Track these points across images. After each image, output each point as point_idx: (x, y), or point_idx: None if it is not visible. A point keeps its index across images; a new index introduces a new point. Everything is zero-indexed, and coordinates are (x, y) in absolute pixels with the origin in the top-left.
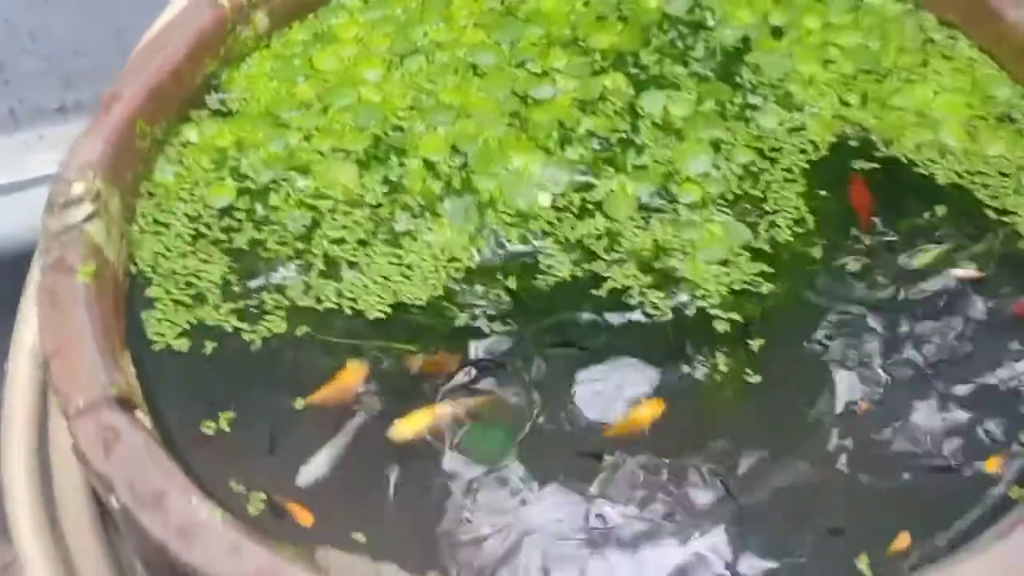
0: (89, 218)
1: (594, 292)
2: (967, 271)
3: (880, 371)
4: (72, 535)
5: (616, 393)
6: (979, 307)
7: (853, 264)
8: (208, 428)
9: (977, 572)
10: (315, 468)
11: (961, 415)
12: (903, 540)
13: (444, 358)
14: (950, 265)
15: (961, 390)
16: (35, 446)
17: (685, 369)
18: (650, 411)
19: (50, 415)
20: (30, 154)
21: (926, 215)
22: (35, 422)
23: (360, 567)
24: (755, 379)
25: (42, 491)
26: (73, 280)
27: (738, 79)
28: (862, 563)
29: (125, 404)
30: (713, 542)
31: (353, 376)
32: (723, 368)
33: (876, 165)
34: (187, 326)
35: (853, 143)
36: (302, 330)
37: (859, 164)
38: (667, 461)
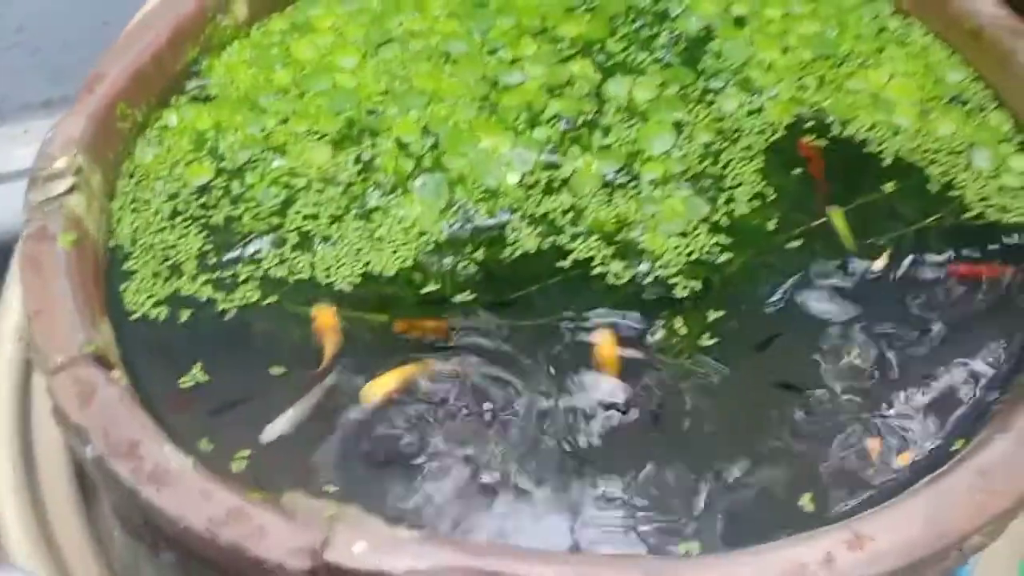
0: (70, 190)
1: (559, 263)
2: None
3: (830, 333)
4: (54, 514)
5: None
6: (925, 274)
7: (807, 236)
8: (182, 384)
9: (915, 511)
10: (279, 426)
11: (905, 375)
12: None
13: (430, 323)
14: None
15: (903, 351)
16: (19, 426)
17: (645, 331)
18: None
19: (32, 391)
20: (14, 148)
21: (878, 189)
22: (18, 401)
23: (325, 510)
24: (710, 341)
25: (25, 471)
26: (54, 247)
27: (700, 65)
28: (805, 500)
29: (102, 361)
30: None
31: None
32: (680, 330)
33: (831, 143)
34: (163, 296)
35: (810, 124)
36: (275, 299)
37: (813, 140)
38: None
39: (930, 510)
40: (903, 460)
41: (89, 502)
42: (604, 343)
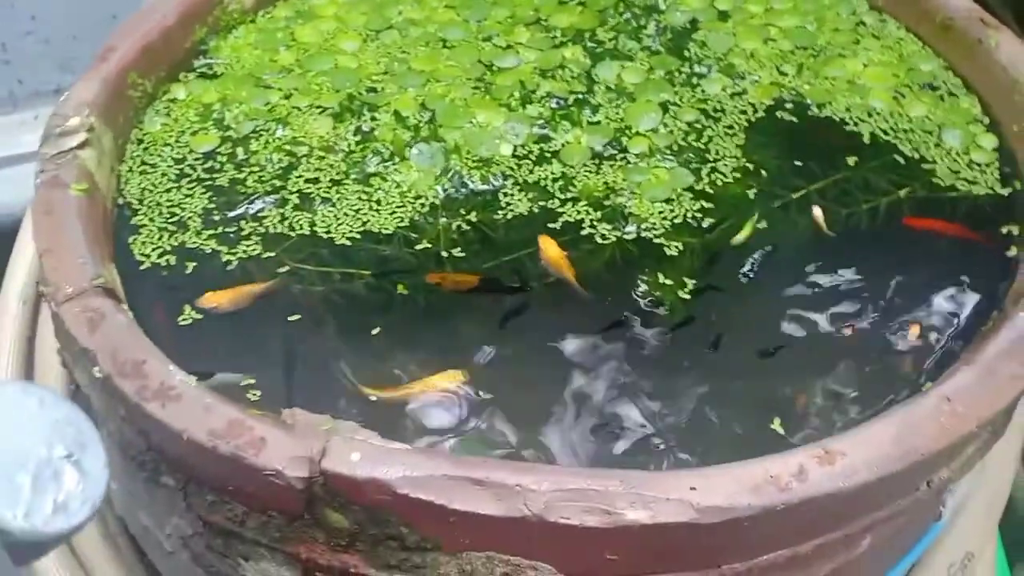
0: (83, 145)
1: (549, 224)
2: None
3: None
4: None
5: None
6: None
7: (786, 204)
8: (184, 320)
9: (884, 430)
10: None
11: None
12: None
13: (461, 277)
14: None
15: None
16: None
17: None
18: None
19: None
20: (25, 133)
21: (854, 165)
22: (22, 357)
23: (322, 423)
24: (686, 295)
25: None
26: (66, 193)
27: (686, 53)
28: (775, 424)
29: (110, 293)
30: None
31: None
32: (664, 282)
33: (809, 123)
34: (169, 248)
35: (789, 105)
36: (276, 253)
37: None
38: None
39: (898, 429)
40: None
41: None
42: (547, 246)
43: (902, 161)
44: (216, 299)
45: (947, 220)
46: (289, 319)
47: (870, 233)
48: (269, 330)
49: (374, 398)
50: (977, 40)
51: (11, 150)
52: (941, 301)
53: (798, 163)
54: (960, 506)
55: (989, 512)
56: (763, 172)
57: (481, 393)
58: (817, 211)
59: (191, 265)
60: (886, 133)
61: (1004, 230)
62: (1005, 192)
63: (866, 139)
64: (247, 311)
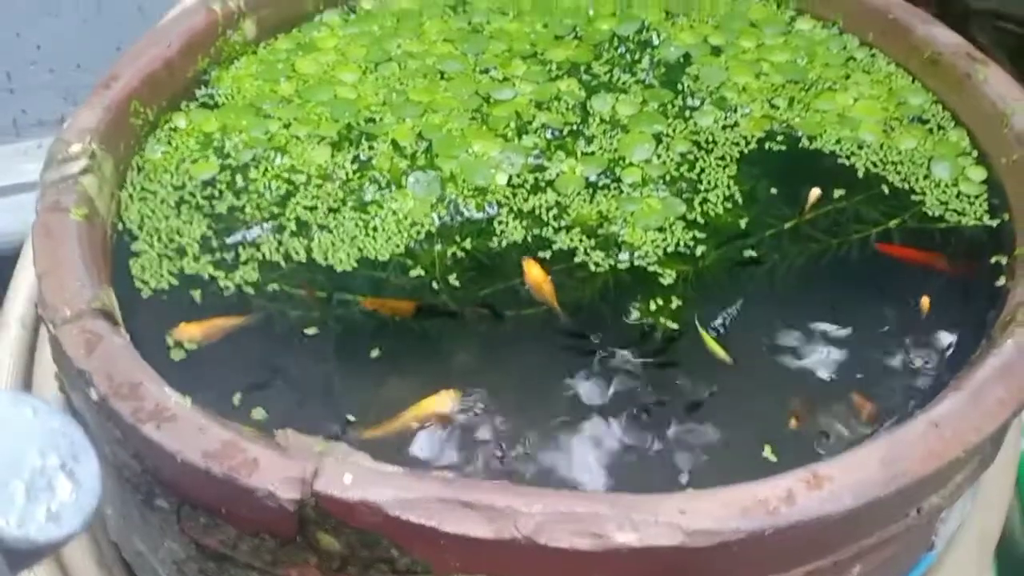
0: (84, 172)
1: (542, 252)
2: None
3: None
4: None
5: None
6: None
7: (777, 235)
8: (177, 353)
9: (872, 454)
10: None
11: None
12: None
13: (399, 303)
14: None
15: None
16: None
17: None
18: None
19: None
20: (28, 162)
21: (845, 196)
22: (21, 377)
23: (315, 445)
24: (675, 326)
25: None
26: (66, 218)
27: (679, 86)
28: (767, 452)
29: (107, 316)
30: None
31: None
32: (656, 309)
33: (800, 154)
34: (167, 273)
35: (780, 137)
36: (273, 279)
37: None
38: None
39: (886, 454)
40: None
41: None
42: (531, 268)
43: (892, 193)
44: (199, 329)
45: (918, 248)
46: (283, 345)
47: (860, 263)
48: (263, 356)
49: (368, 437)
50: (965, 74)
51: (14, 178)
52: (931, 331)
53: (789, 194)
54: (953, 537)
55: (983, 545)
56: (754, 202)
57: (472, 414)
58: (815, 191)
59: (188, 290)
60: (876, 165)
61: (993, 260)
62: (993, 223)
63: (856, 171)
64: (238, 338)
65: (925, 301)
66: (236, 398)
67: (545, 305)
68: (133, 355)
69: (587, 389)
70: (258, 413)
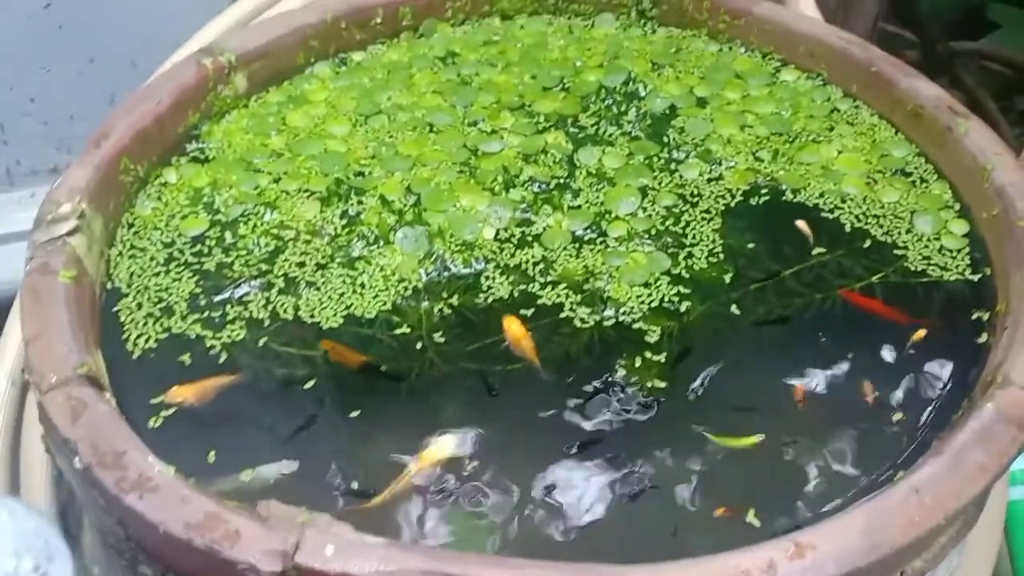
0: (73, 232)
1: (529, 308)
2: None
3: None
4: None
5: None
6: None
7: (761, 289)
8: (162, 415)
9: (853, 523)
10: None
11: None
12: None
13: (348, 353)
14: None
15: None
16: (8, 460)
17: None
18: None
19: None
20: (21, 211)
21: (828, 250)
22: (9, 434)
23: (297, 516)
24: (662, 385)
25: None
26: (54, 281)
27: (665, 138)
28: (750, 516)
29: (94, 382)
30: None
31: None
32: (641, 366)
33: (784, 208)
34: (155, 333)
35: (764, 190)
36: (260, 338)
37: (765, 203)
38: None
39: (867, 522)
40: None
41: (73, 545)
42: (511, 325)
43: (875, 246)
44: (191, 391)
45: (883, 302)
46: (272, 403)
47: (843, 318)
48: (252, 416)
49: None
50: (947, 128)
51: (8, 228)
52: (915, 388)
53: (773, 247)
54: None
55: None
56: (739, 256)
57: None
58: (801, 224)
59: (175, 349)
60: (859, 219)
61: (975, 316)
62: (975, 278)
63: (840, 224)
64: (227, 397)
65: (920, 333)
66: (225, 460)
67: (527, 362)
68: (118, 423)
69: (569, 448)
70: (247, 475)
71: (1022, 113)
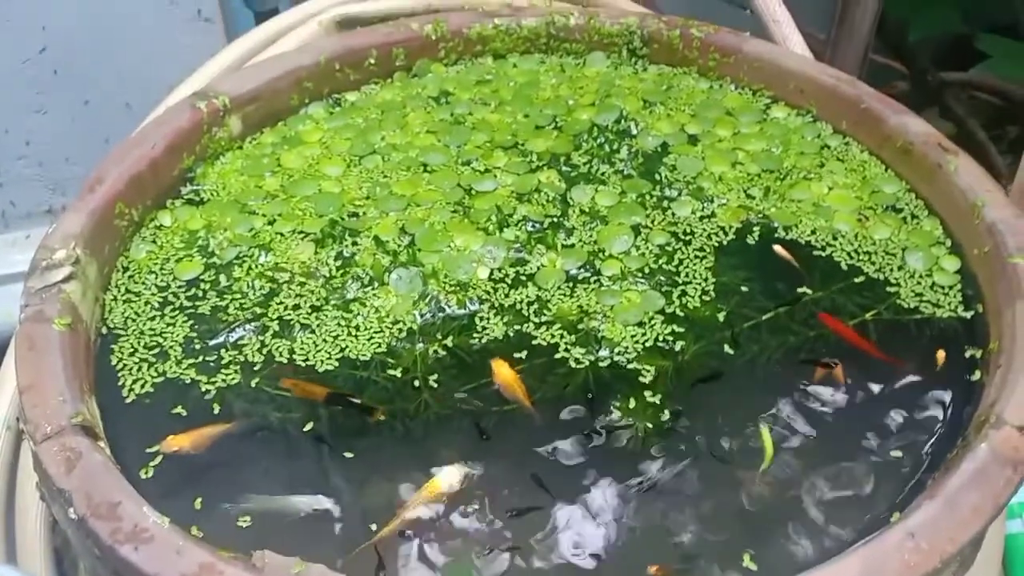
0: (68, 279)
1: (523, 349)
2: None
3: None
4: None
5: None
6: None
7: (753, 325)
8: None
9: (850, 567)
10: None
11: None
12: None
13: (311, 387)
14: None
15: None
16: (3, 505)
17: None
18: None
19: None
20: (17, 252)
21: (820, 288)
22: (5, 479)
23: (292, 567)
24: (665, 417)
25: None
26: (49, 329)
27: (657, 176)
28: (746, 559)
29: (88, 431)
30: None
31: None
32: (635, 408)
33: (777, 246)
34: (150, 378)
35: (756, 228)
36: (254, 382)
37: (757, 240)
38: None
39: (863, 568)
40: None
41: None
42: (500, 368)
43: (867, 283)
44: (187, 440)
45: (860, 334)
46: (269, 448)
47: (838, 355)
48: (248, 462)
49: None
50: (936, 164)
51: (3, 269)
52: (909, 428)
53: (766, 285)
54: None
55: None
56: (731, 294)
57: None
58: (779, 249)
59: (170, 394)
60: (851, 256)
61: (968, 354)
62: (967, 315)
63: (832, 261)
64: (223, 444)
65: (940, 355)
66: (220, 508)
67: (519, 404)
68: (112, 473)
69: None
70: (243, 521)
71: (1013, 142)
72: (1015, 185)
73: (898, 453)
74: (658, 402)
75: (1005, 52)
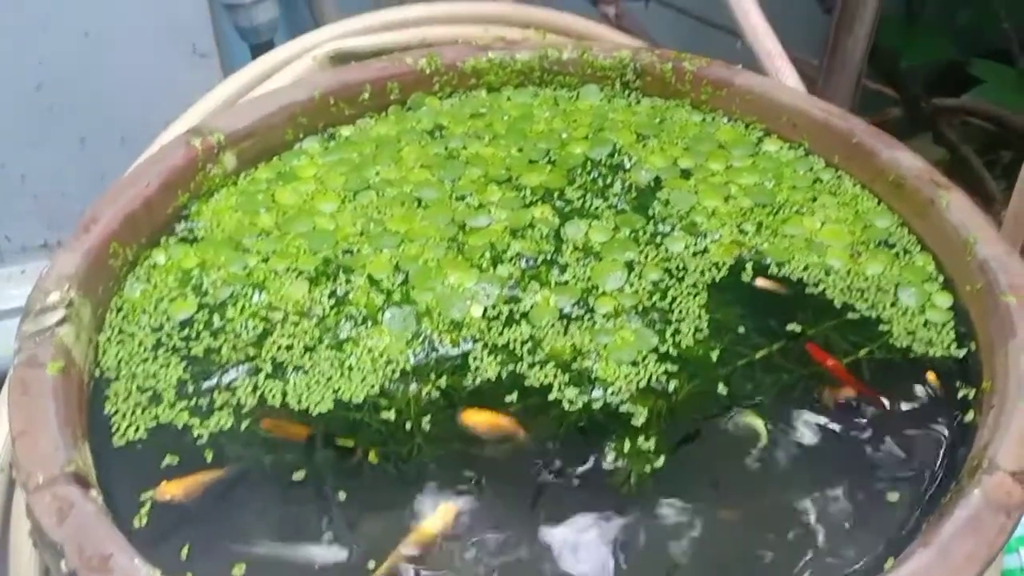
0: (61, 322)
1: (509, 396)
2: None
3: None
4: None
5: None
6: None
7: (747, 366)
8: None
9: None
10: None
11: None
12: None
13: (291, 427)
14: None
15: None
16: None
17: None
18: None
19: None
20: (12, 288)
21: (813, 325)
22: None
23: None
24: (659, 463)
25: None
26: (42, 374)
27: (650, 211)
28: None
29: (80, 480)
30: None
31: None
32: (629, 453)
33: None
34: (143, 422)
35: (749, 264)
36: (245, 425)
37: (747, 278)
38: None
39: None
40: None
41: None
42: (470, 416)
43: (860, 320)
44: (180, 487)
45: (848, 370)
46: (263, 494)
47: (833, 395)
48: (241, 510)
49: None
50: (929, 200)
51: None
52: (903, 469)
53: (759, 322)
54: None
55: None
56: (725, 332)
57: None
58: (760, 282)
59: (163, 439)
60: (843, 292)
61: (960, 394)
62: (960, 354)
63: (825, 298)
64: (216, 491)
65: (932, 376)
66: (214, 556)
67: (512, 441)
68: (104, 524)
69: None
70: (238, 570)
71: (1007, 167)
72: (1009, 211)
73: (892, 497)
74: (652, 447)
75: (998, 77)
